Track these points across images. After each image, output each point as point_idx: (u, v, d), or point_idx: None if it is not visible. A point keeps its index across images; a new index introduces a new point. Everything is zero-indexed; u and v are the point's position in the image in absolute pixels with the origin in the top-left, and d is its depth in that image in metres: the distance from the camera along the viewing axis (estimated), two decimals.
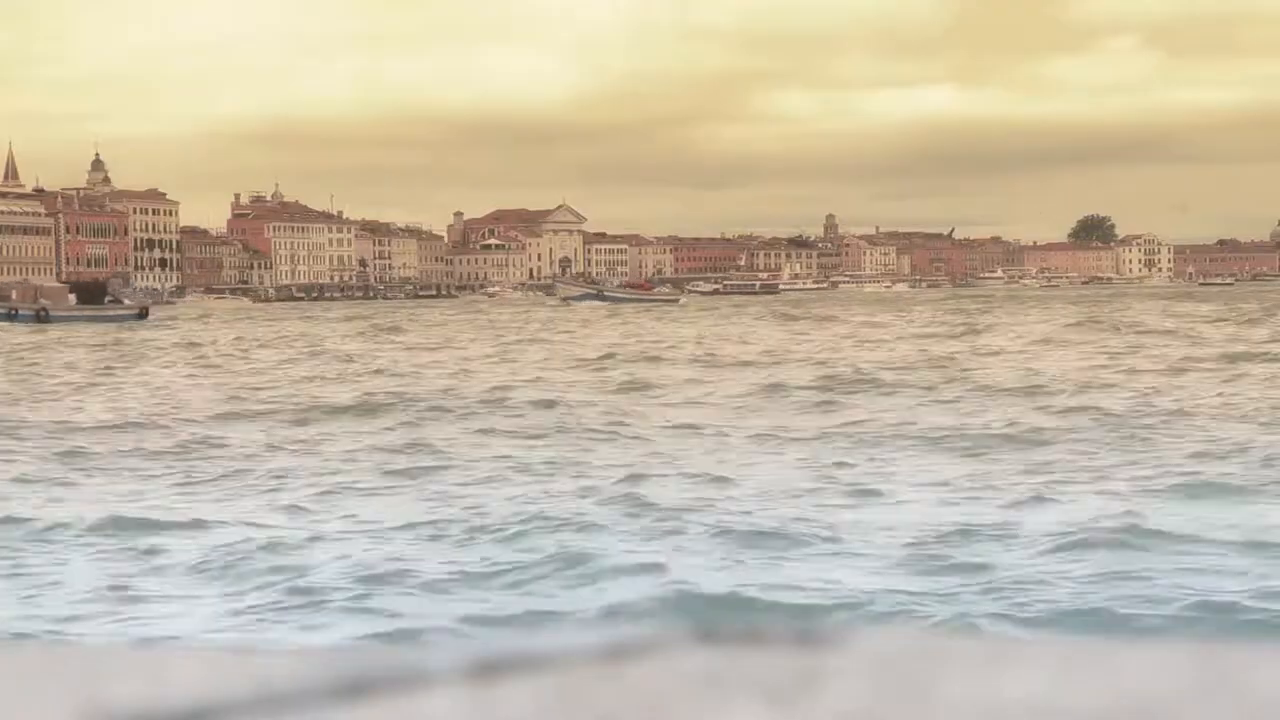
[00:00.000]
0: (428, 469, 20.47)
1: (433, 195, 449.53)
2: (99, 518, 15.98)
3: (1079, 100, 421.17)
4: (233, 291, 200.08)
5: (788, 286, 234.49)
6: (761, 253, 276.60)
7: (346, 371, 44.47)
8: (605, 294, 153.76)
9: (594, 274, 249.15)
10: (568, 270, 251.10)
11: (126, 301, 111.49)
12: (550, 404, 30.45)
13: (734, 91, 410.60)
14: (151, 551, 14.38)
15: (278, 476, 19.98)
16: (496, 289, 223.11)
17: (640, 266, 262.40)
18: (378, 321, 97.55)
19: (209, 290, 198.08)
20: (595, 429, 25.60)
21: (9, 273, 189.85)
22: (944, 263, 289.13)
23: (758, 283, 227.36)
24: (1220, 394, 30.92)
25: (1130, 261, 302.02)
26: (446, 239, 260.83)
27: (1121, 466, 19.89)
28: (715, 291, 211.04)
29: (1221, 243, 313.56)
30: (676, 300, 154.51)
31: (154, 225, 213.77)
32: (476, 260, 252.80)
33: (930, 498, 17.21)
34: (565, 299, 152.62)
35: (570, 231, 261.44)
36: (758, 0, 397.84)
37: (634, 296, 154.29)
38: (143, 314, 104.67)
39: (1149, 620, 11.27)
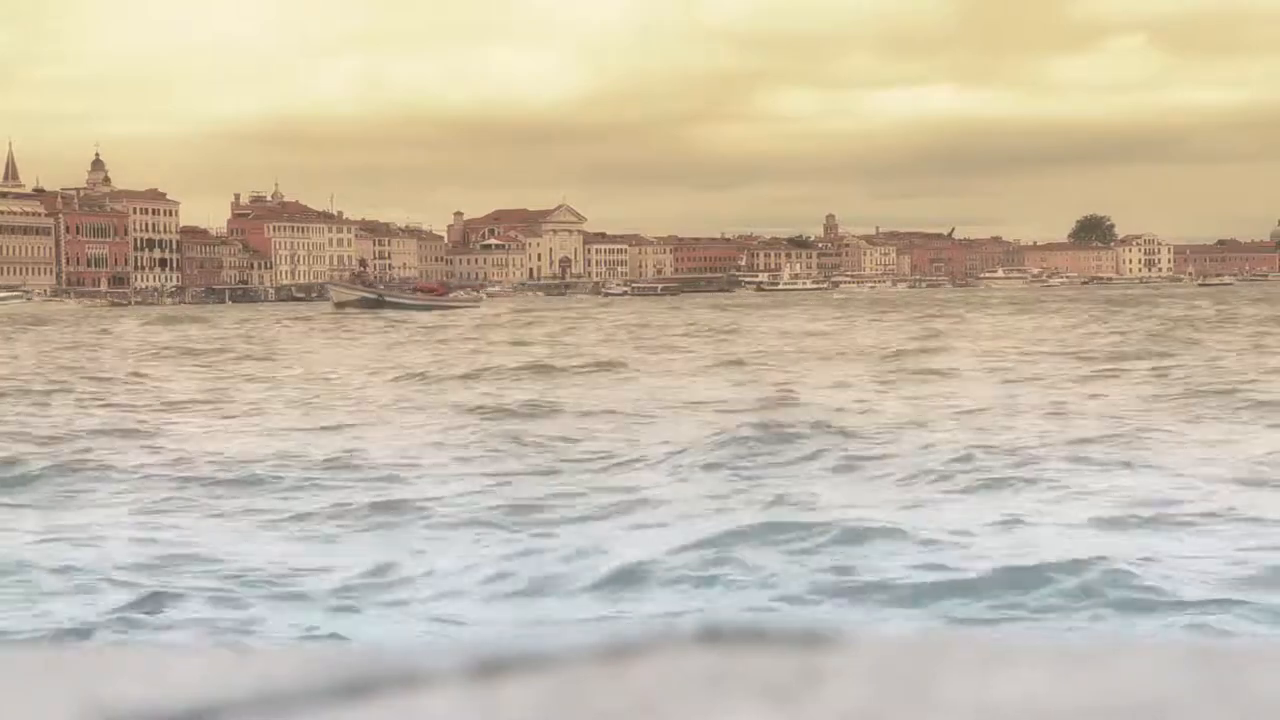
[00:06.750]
0: None
1: (433, 195, 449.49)
2: None
3: (1080, 100, 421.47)
4: (110, 292, 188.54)
5: (750, 281, 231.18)
6: (761, 253, 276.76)
7: None
8: (386, 299, 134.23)
9: (572, 272, 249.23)
10: (568, 270, 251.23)
11: None
12: None
13: (734, 91, 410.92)
14: None
15: None
16: (496, 288, 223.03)
17: (640, 266, 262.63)
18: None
19: (179, 289, 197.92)
20: None
21: (9, 273, 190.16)
22: (944, 263, 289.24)
23: (660, 286, 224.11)
24: None
25: (1130, 261, 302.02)
26: (446, 239, 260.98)
27: None
28: (625, 293, 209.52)
29: (1221, 243, 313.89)
30: (477, 305, 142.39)
31: (154, 225, 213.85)
32: (476, 260, 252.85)
33: None
34: (340, 304, 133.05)
35: (570, 231, 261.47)
36: (758, 0, 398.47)
37: (421, 303, 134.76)
38: None
39: None
